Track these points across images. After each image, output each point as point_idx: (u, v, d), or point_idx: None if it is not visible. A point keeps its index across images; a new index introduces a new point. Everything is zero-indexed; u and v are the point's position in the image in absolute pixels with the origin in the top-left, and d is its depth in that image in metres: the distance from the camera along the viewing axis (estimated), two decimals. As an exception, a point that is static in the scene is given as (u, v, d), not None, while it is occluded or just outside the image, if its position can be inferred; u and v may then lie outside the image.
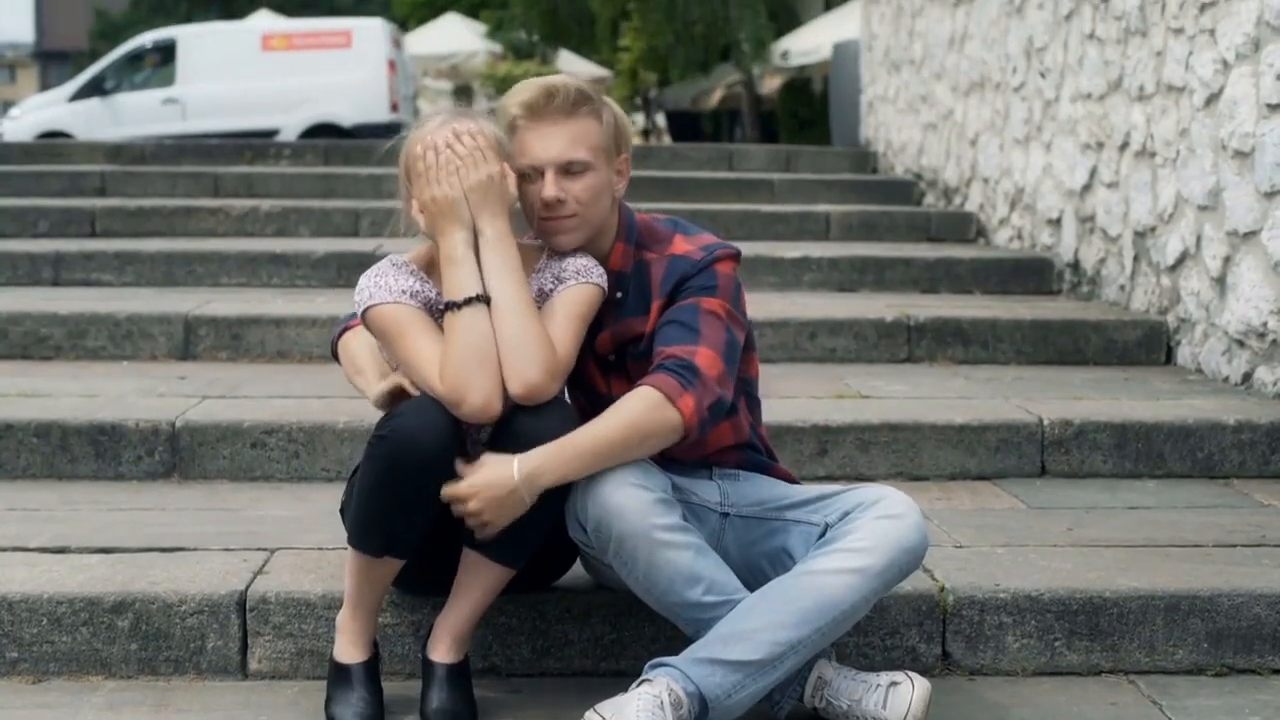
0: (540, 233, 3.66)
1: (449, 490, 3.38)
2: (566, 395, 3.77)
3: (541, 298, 3.61)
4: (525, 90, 3.62)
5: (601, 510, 3.36)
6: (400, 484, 3.40)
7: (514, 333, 3.45)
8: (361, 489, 3.47)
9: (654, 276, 3.65)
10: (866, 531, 3.43)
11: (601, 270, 3.64)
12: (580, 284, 3.59)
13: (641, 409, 3.42)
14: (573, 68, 32.29)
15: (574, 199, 3.58)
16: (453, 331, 3.45)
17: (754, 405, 3.84)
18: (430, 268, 3.62)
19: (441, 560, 3.59)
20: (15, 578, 3.93)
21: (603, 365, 3.71)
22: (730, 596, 3.42)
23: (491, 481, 3.36)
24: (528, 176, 3.60)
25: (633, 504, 3.35)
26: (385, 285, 3.56)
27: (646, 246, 3.70)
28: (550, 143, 3.58)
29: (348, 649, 3.60)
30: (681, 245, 3.67)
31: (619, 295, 3.67)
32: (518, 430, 3.44)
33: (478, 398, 3.41)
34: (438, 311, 3.54)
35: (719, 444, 3.72)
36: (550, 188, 3.57)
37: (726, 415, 3.64)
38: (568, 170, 3.58)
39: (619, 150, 3.68)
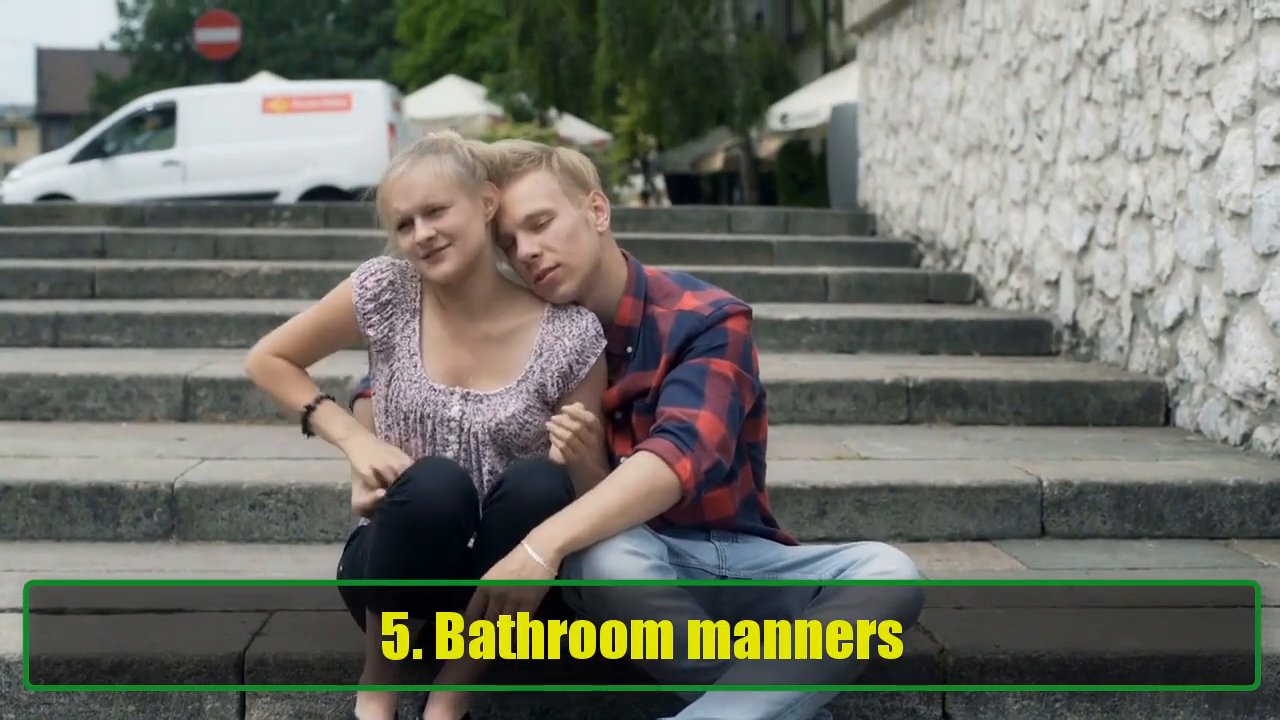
0: (538, 291, 3.69)
1: (473, 605, 3.38)
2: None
3: (563, 371, 3.66)
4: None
5: (596, 577, 3.36)
6: (421, 547, 3.41)
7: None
8: (381, 555, 3.46)
9: (662, 331, 3.66)
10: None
11: (598, 328, 3.68)
12: (600, 356, 3.70)
13: (639, 475, 3.43)
14: (572, 131, 32.42)
15: (547, 248, 3.62)
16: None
17: (759, 469, 3.84)
18: None
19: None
20: (13, 638, 3.91)
21: (608, 422, 3.71)
22: (725, 660, 3.41)
23: (504, 565, 3.36)
24: (513, 243, 3.66)
25: (626, 571, 3.35)
26: (368, 268, 3.77)
27: (655, 301, 3.72)
28: (511, 207, 3.65)
29: (375, 713, 3.60)
30: (690, 301, 3.68)
31: (629, 350, 3.68)
32: (510, 489, 3.45)
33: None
34: (365, 322, 3.74)
35: (719, 511, 3.72)
36: (523, 245, 3.64)
37: (726, 480, 3.64)
38: (534, 225, 3.62)
39: (584, 188, 3.72)
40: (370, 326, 3.71)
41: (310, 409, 3.73)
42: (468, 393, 3.67)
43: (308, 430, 3.78)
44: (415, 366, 3.69)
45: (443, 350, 3.71)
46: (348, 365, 6.10)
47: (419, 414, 3.67)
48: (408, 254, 3.63)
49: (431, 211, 3.57)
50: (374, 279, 3.72)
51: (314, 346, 3.83)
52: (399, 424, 3.69)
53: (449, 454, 3.66)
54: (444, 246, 3.58)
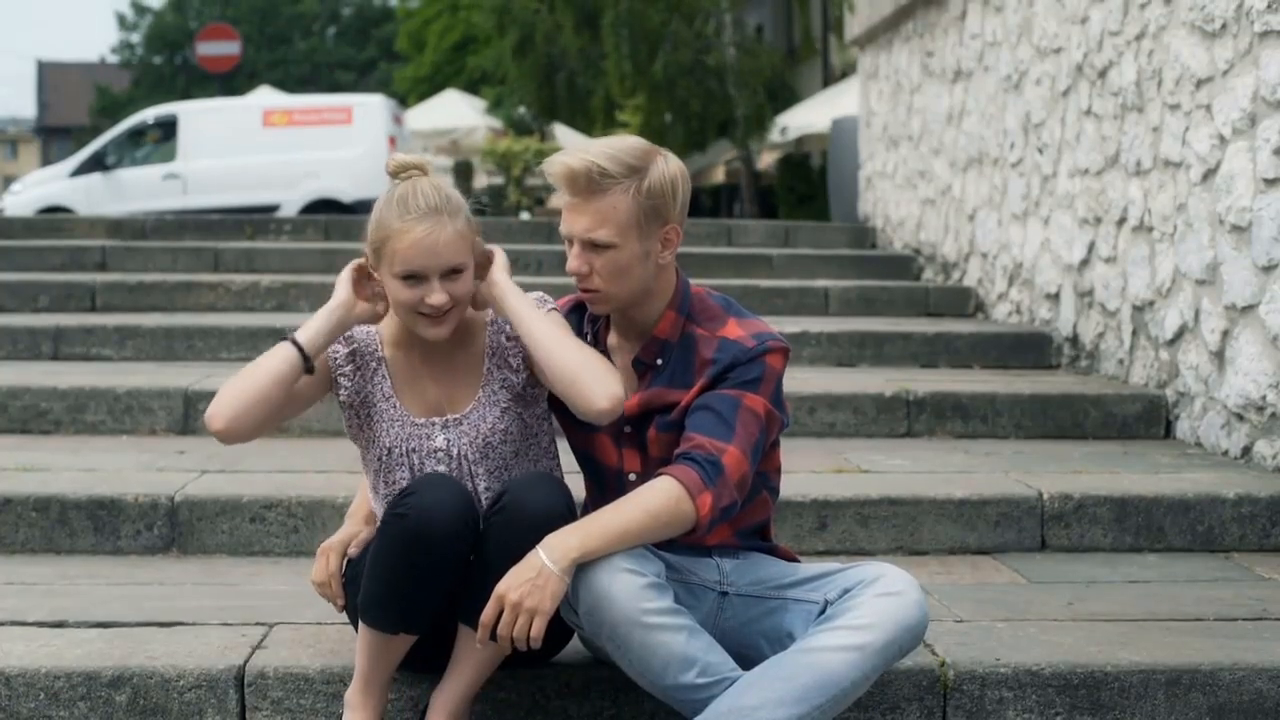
0: (581, 293, 3.70)
1: (486, 616, 3.35)
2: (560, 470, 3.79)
3: (515, 344, 3.70)
4: (555, 164, 3.58)
5: (593, 596, 3.35)
6: (420, 561, 3.41)
7: (575, 355, 3.52)
8: (378, 567, 3.46)
9: (702, 354, 3.63)
10: (867, 609, 3.42)
11: (548, 300, 3.70)
12: (547, 312, 3.66)
13: (662, 501, 3.42)
14: (570, 143, 32.43)
15: (596, 273, 3.59)
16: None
17: (775, 497, 3.83)
18: (388, 322, 3.74)
19: (440, 636, 3.59)
20: (13, 652, 3.91)
21: (616, 436, 3.69)
22: (724, 675, 3.40)
23: (518, 571, 3.34)
24: (568, 241, 3.64)
25: (623, 590, 3.33)
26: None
27: (697, 321, 3.69)
28: (575, 217, 3.59)
29: None
30: (735, 329, 3.65)
31: (659, 362, 3.67)
32: (510, 502, 3.46)
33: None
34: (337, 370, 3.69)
35: (716, 536, 3.70)
36: (572, 260, 3.60)
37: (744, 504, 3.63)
38: (592, 245, 3.59)
39: (662, 220, 3.62)
40: (344, 376, 3.69)
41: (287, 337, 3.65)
42: (447, 419, 3.68)
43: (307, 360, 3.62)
44: (394, 408, 3.69)
45: (415, 387, 3.70)
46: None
47: (403, 449, 3.67)
48: (404, 305, 3.58)
49: (450, 274, 3.56)
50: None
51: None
52: (383, 458, 3.69)
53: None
54: (449, 310, 3.58)
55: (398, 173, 3.64)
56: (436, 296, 3.55)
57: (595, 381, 3.48)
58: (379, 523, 3.52)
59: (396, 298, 3.59)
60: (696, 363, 3.63)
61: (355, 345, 3.70)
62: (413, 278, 3.55)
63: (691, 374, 3.63)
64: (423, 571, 3.42)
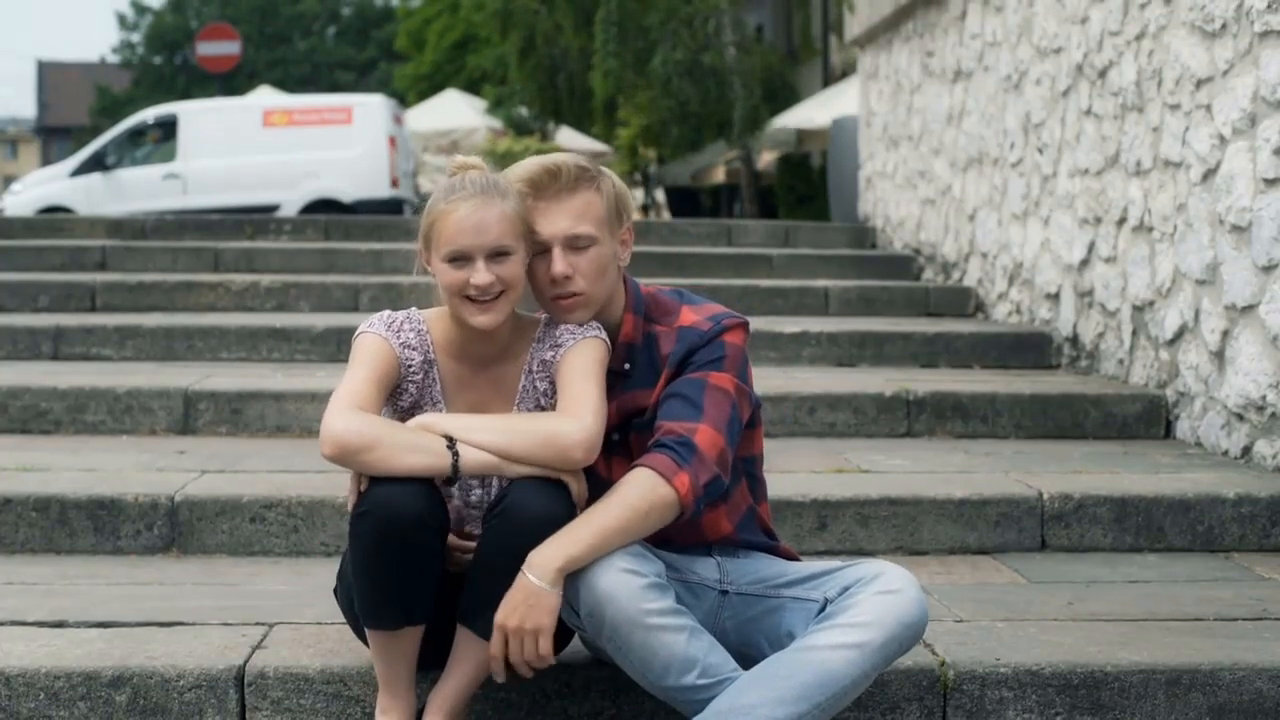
0: (551, 310, 3.68)
1: (493, 649, 3.35)
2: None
3: (544, 368, 3.64)
4: (528, 168, 3.62)
5: (594, 597, 3.35)
6: (393, 550, 3.40)
7: (519, 441, 3.46)
8: (359, 568, 3.45)
9: (662, 349, 3.65)
10: (866, 607, 3.42)
11: (598, 326, 3.66)
12: (578, 340, 3.61)
13: (638, 492, 3.42)
14: (572, 144, 32.39)
15: (580, 274, 3.60)
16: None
17: (755, 484, 3.82)
18: (438, 325, 3.68)
19: (438, 635, 3.58)
20: (13, 652, 3.91)
21: (604, 446, 3.69)
22: (726, 676, 3.39)
23: (510, 597, 3.34)
24: (536, 253, 3.62)
25: (624, 590, 3.33)
26: (386, 322, 3.66)
27: (654, 319, 3.71)
28: (556, 219, 3.59)
29: None
30: (689, 316, 3.68)
31: (627, 367, 3.68)
32: (508, 505, 3.44)
33: (325, 448, 3.42)
34: (407, 375, 3.63)
35: (717, 531, 3.70)
36: (559, 263, 3.59)
37: (723, 497, 3.63)
38: (574, 245, 3.59)
39: (620, 221, 3.70)
40: (414, 384, 3.66)
41: (451, 442, 3.46)
42: None
43: (455, 474, 3.48)
44: (441, 413, 3.66)
45: (461, 393, 3.68)
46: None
47: None
48: (451, 289, 3.55)
49: (496, 255, 3.54)
50: (406, 328, 3.66)
51: (380, 400, 3.60)
52: None
53: (473, 484, 3.66)
54: (498, 294, 3.54)
55: (455, 172, 3.65)
56: (481, 276, 3.51)
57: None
58: (349, 526, 3.49)
59: (444, 282, 3.56)
60: (660, 359, 3.66)
61: (424, 353, 3.67)
62: (458, 259, 3.53)
63: (657, 372, 3.66)
64: (399, 560, 3.40)
